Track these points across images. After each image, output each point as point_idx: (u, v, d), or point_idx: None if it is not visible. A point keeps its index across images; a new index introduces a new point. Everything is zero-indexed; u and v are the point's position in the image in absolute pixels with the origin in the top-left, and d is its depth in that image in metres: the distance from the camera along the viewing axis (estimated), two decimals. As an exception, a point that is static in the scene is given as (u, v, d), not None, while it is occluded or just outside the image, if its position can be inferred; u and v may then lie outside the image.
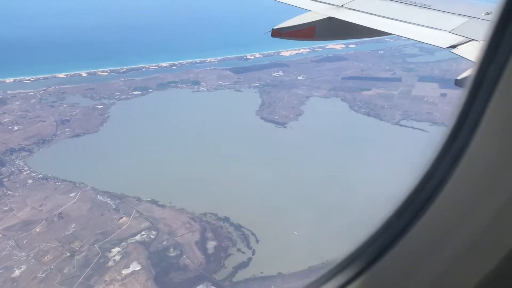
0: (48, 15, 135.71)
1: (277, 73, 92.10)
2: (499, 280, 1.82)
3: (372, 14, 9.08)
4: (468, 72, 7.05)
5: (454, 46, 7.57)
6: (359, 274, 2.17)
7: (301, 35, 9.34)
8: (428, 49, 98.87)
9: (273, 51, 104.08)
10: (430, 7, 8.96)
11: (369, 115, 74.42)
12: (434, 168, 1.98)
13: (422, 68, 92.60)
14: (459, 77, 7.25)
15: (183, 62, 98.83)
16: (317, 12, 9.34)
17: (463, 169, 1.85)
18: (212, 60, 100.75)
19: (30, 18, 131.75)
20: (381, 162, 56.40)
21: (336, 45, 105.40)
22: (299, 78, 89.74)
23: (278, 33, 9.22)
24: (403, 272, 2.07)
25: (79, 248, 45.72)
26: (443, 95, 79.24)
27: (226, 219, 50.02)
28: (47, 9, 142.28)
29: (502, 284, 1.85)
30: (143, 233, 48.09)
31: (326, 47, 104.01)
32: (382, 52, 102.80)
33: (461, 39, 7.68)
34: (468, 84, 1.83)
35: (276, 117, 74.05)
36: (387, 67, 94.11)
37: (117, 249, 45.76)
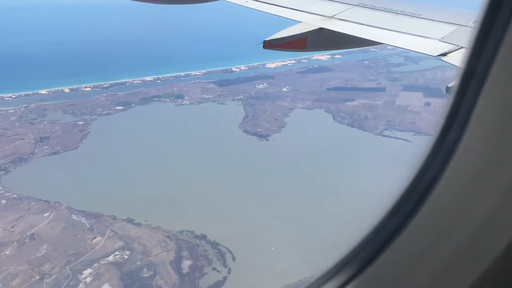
0: (31, 31, 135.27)
1: (262, 85, 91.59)
2: (493, 282, 1.79)
3: (363, 24, 9.15)
4: None
5: (444, 54, 7.64)
6: (351, 279, 2.14)
7: (293, 46, 9.38)
8: (413, 58, 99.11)
9: (259, 63, 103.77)
10: (420, 16, 9.10)
11: (352, 125, 73.72)
12: (423, 170, 1.95)
13: (406, 77, 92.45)
14: (450, 85, 7.25)
15: (167, 76, 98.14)
16: (308, 23, 9.39)
17: (453, 170, 1.83)
18: (197, 74, 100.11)
19: (13, 35, 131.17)
20: (364, 173, 55.56)
21: (322, 56, 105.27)
22: (283, 89, 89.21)
23: (270, 45, 9.25)
24: (396, 275, 2.03)
25: (49, 270, 44.21)
26: (427, 104, 78.81)
27: (203, 237, 48.74)
28: (30, 25, 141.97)
29: (496, 285, 1.81)
30: (116, 253, 46.70)
31: (312, 58, 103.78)
32: (367, 62, 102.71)
33: (451, 47, 7.77)
34: (456, 84, 1.83)
35: (259, 129, 73.20)
36: (372, 77, 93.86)
37: (88, 270, 44.31)
